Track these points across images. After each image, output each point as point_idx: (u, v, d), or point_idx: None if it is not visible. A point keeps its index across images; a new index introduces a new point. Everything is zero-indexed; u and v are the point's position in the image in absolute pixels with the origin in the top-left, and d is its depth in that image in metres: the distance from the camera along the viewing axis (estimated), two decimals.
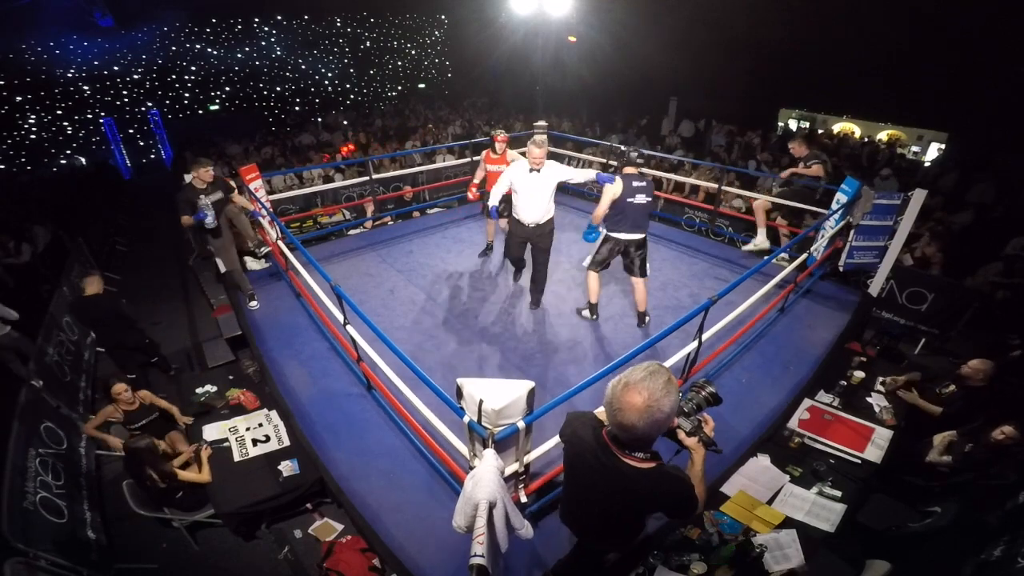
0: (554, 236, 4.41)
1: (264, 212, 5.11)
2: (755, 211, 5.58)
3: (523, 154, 4.69)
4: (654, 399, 1.41)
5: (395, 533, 2.79)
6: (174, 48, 14.38)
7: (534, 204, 4.12)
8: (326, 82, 17.28)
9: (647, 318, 4.48)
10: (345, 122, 14.73)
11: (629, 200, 3.93)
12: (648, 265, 4.29)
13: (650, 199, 4.01)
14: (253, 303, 4.90)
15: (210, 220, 4.27)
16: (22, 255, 6.93)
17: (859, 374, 3.96)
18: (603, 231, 4.14)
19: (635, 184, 3.92)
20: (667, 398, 1.43)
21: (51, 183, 11.18)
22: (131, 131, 14.23)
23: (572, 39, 13.78)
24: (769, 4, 10.57)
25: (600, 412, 1.69)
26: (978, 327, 5.06)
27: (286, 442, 3.69)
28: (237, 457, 3.59)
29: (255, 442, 3.70)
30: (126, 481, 3.37)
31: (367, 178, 6.51)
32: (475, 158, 7.42)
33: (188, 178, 4.42)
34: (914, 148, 11.68)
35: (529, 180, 4.08)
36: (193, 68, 14.83)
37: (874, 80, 10.80)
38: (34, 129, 12.78)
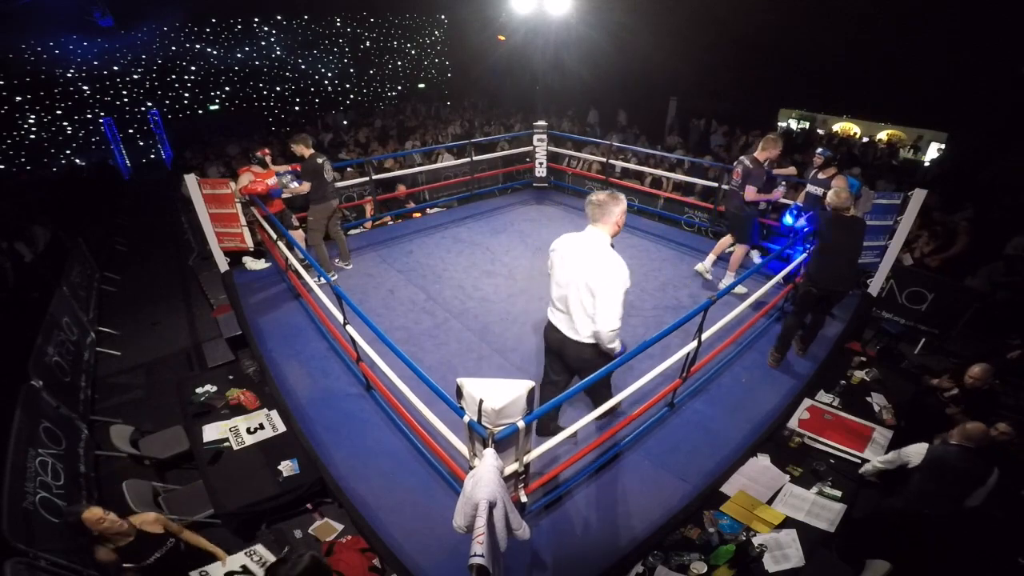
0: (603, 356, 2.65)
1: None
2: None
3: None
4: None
5: (395, 533, 2.78)
6: (174, 48, 14.36)
7: (569, 303, 2.32)
8: (326, 82, 17.27)
9: None
10: (345, 122, 14.71)
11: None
12: None
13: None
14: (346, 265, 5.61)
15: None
16: (24, 256, 6.95)
17: (859, 374, 3.96)
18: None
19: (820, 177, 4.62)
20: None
21: (51, 183, 11.17)
22: (131, 131, 14.22)
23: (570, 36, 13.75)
24: (769, 4, 10.56)
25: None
26: (978, 327, 5.06)
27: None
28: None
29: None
30: (126, 481, 3.37)
31: (367, 178, 6.50)
32: (476, 158, 7.40)
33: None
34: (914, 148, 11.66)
35: (570, 256, 2.27)
36: (193, 68, 14.81)
37: (874, 80, 10.80)
38: (34, 129, 12.77)
